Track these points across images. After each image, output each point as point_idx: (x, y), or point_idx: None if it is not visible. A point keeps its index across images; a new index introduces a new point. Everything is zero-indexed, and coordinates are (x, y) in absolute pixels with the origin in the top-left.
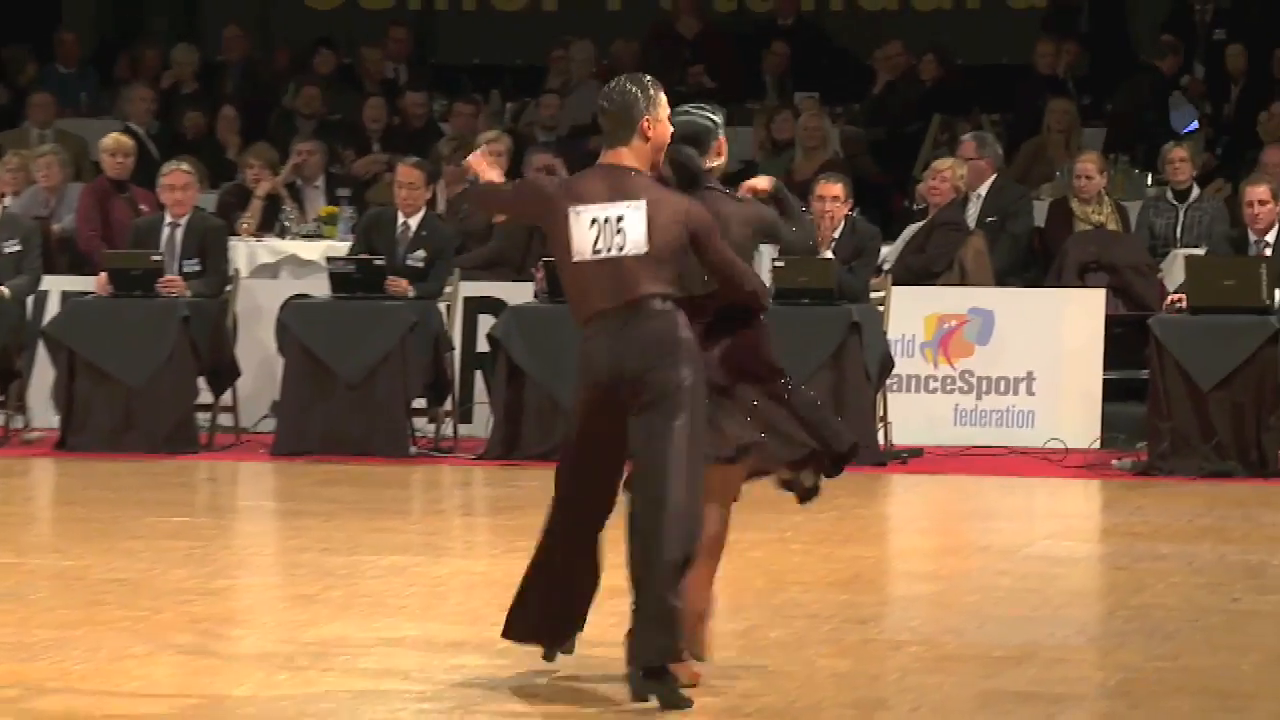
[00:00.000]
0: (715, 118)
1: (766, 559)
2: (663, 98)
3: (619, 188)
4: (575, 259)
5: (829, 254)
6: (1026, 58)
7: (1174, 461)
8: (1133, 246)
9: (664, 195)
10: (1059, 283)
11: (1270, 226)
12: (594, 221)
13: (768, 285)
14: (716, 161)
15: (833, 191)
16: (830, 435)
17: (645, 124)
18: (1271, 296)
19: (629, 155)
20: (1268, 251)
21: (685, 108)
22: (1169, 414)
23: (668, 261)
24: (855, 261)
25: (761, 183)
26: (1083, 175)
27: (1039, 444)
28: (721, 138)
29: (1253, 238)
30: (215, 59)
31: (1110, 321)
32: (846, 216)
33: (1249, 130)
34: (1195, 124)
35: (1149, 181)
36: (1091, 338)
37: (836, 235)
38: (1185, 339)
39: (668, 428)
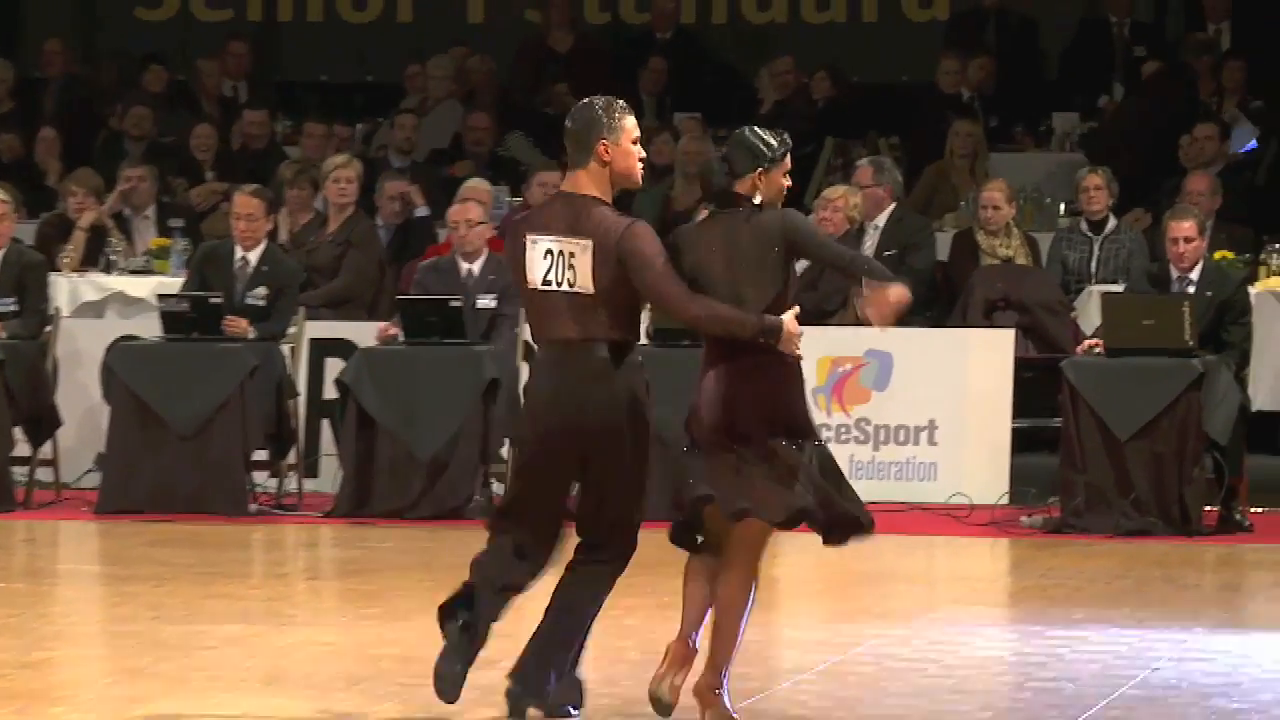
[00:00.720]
0: (763, 143)
1: (643, 626)
2: (629, 122)
3: (576, 221)
4: (529, 286)
5: None
6: (928, 75)
7: (1089, 518)
8: (1044, 283)
9: (608, 227)
10: (964, 322)
11: (1195, 264)
12: (548, 253)
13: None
14: (758, 194)
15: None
16: (839, 510)
17: (603, 148)
18: (1194, 338)
19: (586, 180)
20: (1191, 289)
21: (746, 129)
22: (1083, 466)
23: (618, 304)
24: None
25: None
26: (989, 205)
27: (941, 499)
28: (774, 172)
29: (1175, 274)
30: (34, 75)
31: (1020, 365)
32: None
33: (1168, 155)
34: (1255, 143)
35: (1061, 211)
36: (999, 382)
37: None
38: (1101, 384)
39: (601, 477)
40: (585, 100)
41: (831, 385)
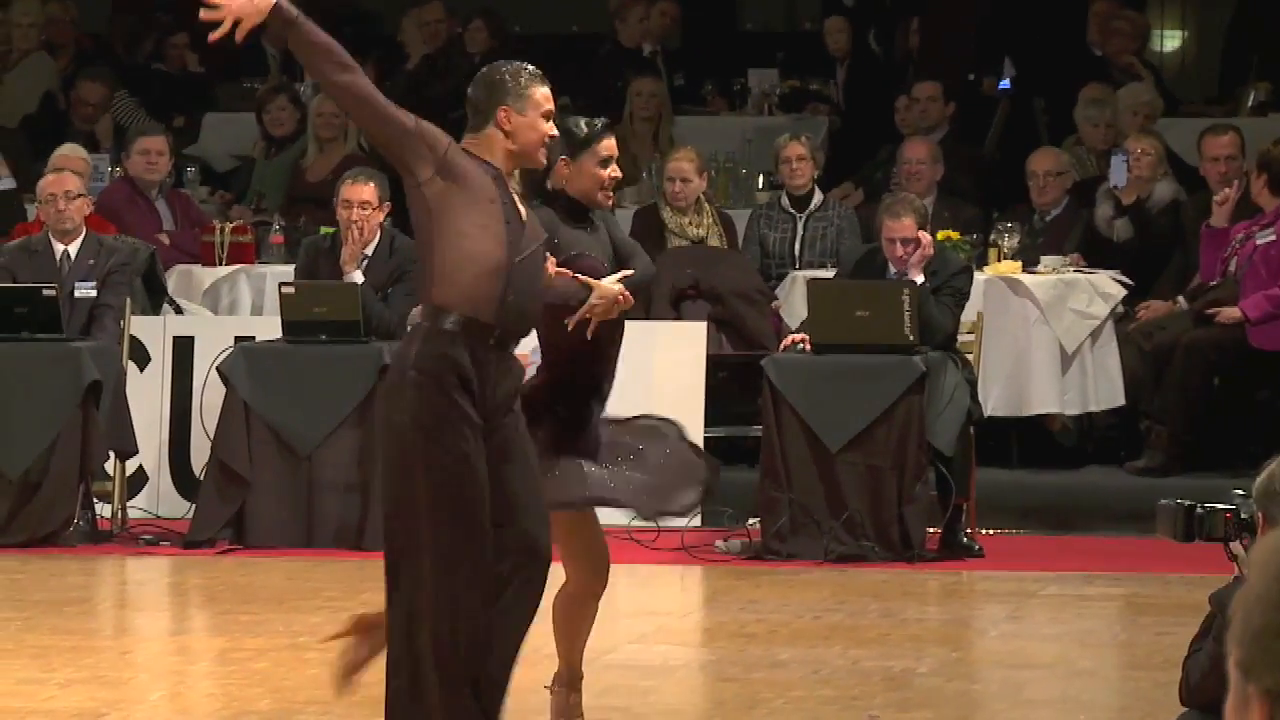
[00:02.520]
0: (570, 131)
1: (274, 672)
2: (540, 92)
3: None
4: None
5: (359, 276)
6: (603, 26)
7: (794, 542)
8: (740, 268)
9: None
10: (647, 314)
11: (919, 264)
12: None
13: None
14: (562, 183)
15: (362, 195)
16: None
17: (503, 115)
18: (915, 331)
19: (476, 147)
20: (919, 276)
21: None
22: (788, 482)
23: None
24: (393, 288)
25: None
26: (676, 177)
27: (623, 521)
28: (579, 160)
29: (892, 272)
30: None
31: (713, 363)
32: (381, 227)
33: (881, 119)
34: (1008, 82)
35: (760, 185)
36: (689, 384)
37: (369, 252)
38: (808, 386)
39: None
40: (494, 63)
41: None
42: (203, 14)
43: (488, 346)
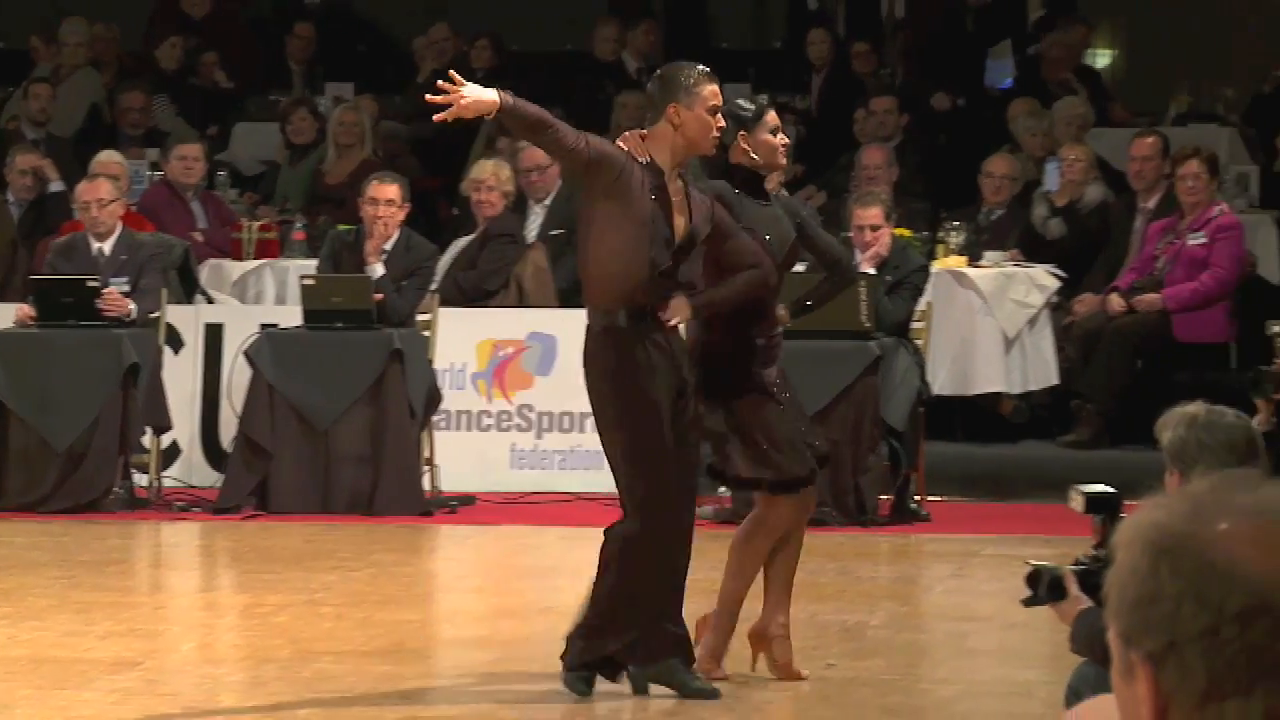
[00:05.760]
0: (737, 114)
1: (293, 624)
2: (708, 89)
3: None
4: None
5: (380, 268)
6: (593, 45)
7: None
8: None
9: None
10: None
11: (873, 260)
12: None
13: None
14: (742, 157)
15: (387, 194)
16: None
17: (673, 110)
18: (873, 319)
19: (651, 140)
20: (870, 269)
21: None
22: None
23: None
24: (407, 281)
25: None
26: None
27: (609, 489)
28: (754, 133)
29: (859, 257)
30: None
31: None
32: (401, 226)
33: (840, 129)
34: (1010, 81)
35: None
36: None
37: (388, 247)
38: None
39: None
40: (671, 63)
41: (492, 370)
42: (437, 99)
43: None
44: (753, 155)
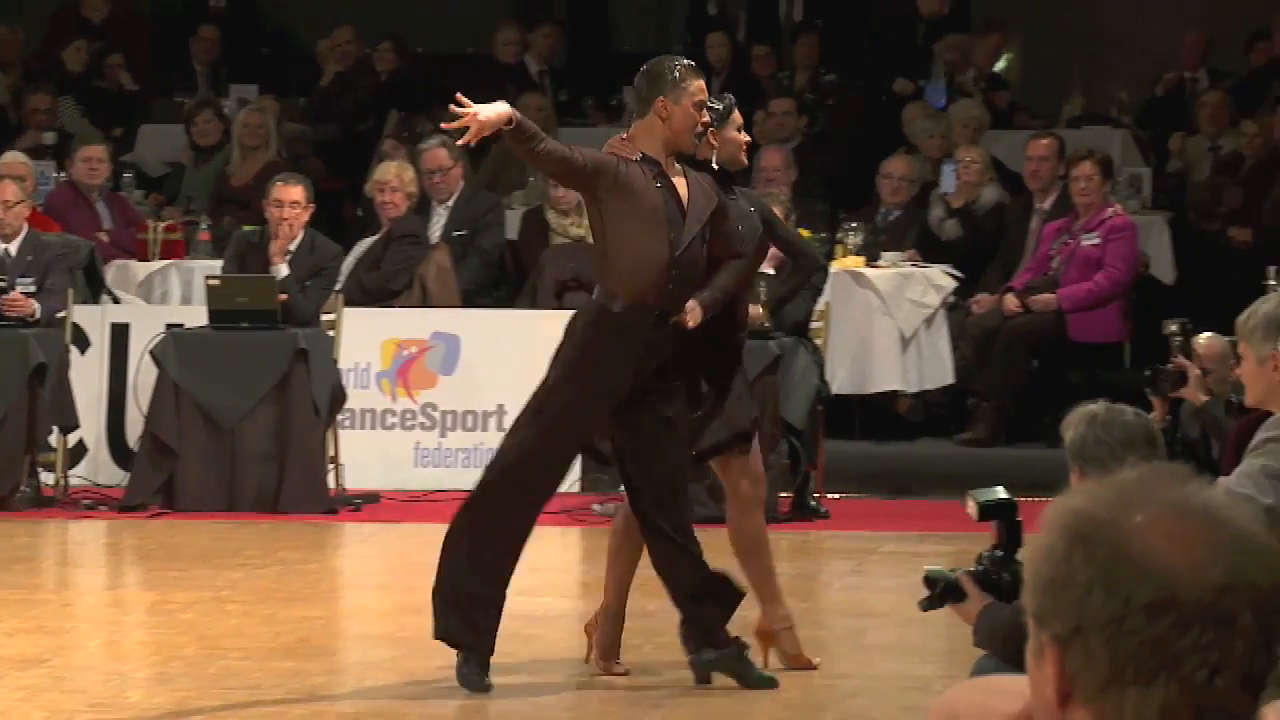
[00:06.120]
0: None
1: (199, 621)
2: (695, 84)
3: None
4: None
5: (285, 268)
6: (494, 47)
7: None
8: None
9: None
10: (534, 304)
11: (772, 261)
12: None
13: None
14: (710, 153)
15: (292, 195)
16: None
17: (661, 104)
18: (770, 319)
19: (638, 133)
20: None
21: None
22: None
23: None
24: (311, 281)
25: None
26: (559, 183)
27: None
28: (722, 130)
29: None
30: None
31: None
32: (306, 227)
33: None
34: (943, 102)
35: None
36: None
37: (293, 248)
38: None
39: None
40: (657, 57)
41: (396, 369)
42: (453, 125)
43: (649, 325)
44: (715, 152)
